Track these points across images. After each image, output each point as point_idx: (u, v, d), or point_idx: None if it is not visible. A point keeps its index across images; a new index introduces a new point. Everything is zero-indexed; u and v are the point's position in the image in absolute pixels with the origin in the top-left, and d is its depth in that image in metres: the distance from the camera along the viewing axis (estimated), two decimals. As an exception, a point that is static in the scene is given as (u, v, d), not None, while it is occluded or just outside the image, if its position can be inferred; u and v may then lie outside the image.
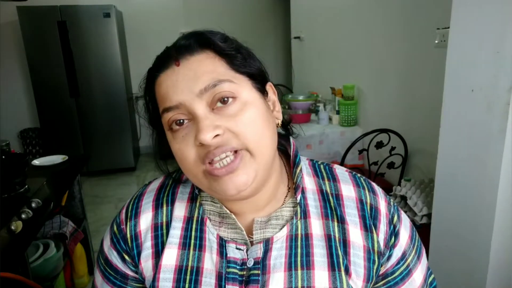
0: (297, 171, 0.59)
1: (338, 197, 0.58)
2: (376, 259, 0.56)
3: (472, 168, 1.15)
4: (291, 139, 0.63)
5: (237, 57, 0.52)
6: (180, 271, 0.56)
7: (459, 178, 1.21)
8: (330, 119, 2.86)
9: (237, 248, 0.55)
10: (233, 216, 0.56)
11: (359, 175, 0.63)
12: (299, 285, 0.53)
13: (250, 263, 0.54)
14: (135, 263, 0.59)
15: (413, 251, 0.60)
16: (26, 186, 1.57)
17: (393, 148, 2.11)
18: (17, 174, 1.56)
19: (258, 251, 0.54)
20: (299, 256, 0.55)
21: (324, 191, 0.59)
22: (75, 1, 3.94)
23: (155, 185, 0.63)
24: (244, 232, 0.56)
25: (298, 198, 0.57)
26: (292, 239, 0.55)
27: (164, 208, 0.60)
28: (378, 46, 2.43)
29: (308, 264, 0.54)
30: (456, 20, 1.15)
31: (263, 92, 0.55)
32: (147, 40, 4.34)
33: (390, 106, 2.37)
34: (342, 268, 0.54)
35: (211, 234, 0.56)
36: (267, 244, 0.55)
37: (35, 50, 3.66)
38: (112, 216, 0.64)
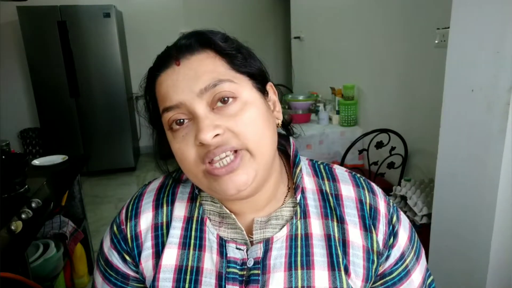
0: (297, 171, 0.59)
1: (337, 197, 0.58)
2: (375, 259, 0.56)
3: (472, 168, 1.15)
4: (291, 139, 0.63)
5: (238, 57, 0.52)
6: (180, 271, 0.56)
7: (459, 178, 1.21)
8: (330, 119, 2.86)
9: (237, 248, 0.55)
10: (233, 216, 0.56)
11: (358, 175, 0.63)
12: (299, 285, 0.53)
13: (250, 263, 0.54)
14: (136, 263, 0.59)
15: (412, 252, 0.60)
16: (26, 186, 1.57)
17: (393, 148, 2.11)
18: (17, 174, 1.56)
19: (258, 251, 0.54)
20: (299, 256, 0.55)
21: (324, 191, 0.59)
22: (75, 1, 3.94)
23: (154, 185, 0.64)
24: (244, 232, 0.56)
25: (298, 198, 0.57)
26: (292, 239, 0.55)
27: (164, 208, 0.60)
28: (378, 46, 2.43)
29: (308, 264, 0.54)
30: (456, 20, 1.15)
31: (263, 92, 0.55)
32: (147, 40, 4.34)
33: (390, 106, 2.37)
34: (342, 268, 0.54)
35: (211, 234, 0.56)
36: (267, 244, 0.55)
37: (35, 50, 3.66)
38: (112, 216, 0.64)
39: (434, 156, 1.31)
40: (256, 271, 0.54)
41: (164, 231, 0.58)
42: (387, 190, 1.93)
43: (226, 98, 0.49)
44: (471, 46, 1.11)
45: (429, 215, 1.58)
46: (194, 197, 0.60)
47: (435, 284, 0.65)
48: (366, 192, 0.60)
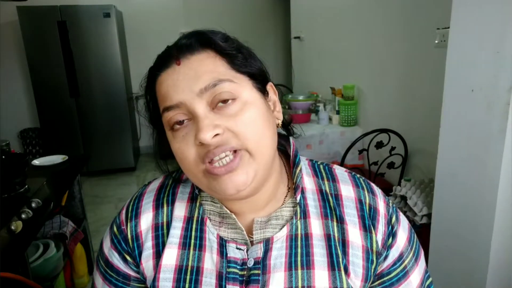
0: (296, 171, 0.59)
1: (337, 197, 0.58)
2: (375, 259, 0.56)
3: (472, 168, 1.15)
4: (291, 139, 0.63)
5: (238, 57, 0.52)
6: (180, 271, 0.56)
7: (459, 178, 1.21)
8: (330, 119, 2.86)
9: (237, 248, 0.55)
10: (234, 216, 0.56)
11: (358, 175, 0.63)
12: (299, 284, 0.53)
13: (251, 263, 0.54)
14: (137, 263, 0.59)
15: (411, 253, 0.60)
16: (26, 186, 1.57)
17: (393, 148, 2.11)
18: (17, 174, 1.56)
19: (258, 251, 0.54)
20: (299, 256, 0.55)
21: (324, 191, 0.59)
22: (75, 1, 3.94)
23: (154, 185, 0.63)
24: (245, 232, 0.56)
25: (298, 198, 0.57)
26: (292, 239, 0.55)
27: (165, 208, 0.60)
28: (378, 46, 2.43)
29: (308, 264, 0.54)
30: (456, 20, 1.15)
31: (263, 92, 0.55)
32: (147, 40, 4.34)
33: (390, 106, 2.37)
34: (342, 268, 0.54)
35: (211, 234, 0.56)
36: (267, 244, 0.55)
37: (35, 50, 3.66)
38: (112, 216, 0.64)
39: (434, 156, 1.31)
40: (256, 271, 0.54)
41: (165, 231, 0.58)
42: (387, 190, 1.93)
43: (226, 100, 0.49)
44: (471, 46, 1.11)
45: (429, 215, 1.58)
46: (194, 197, 0.60)
47: (435, 285, 0.65)
48: (366, 192, 0.60)
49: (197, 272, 0.55)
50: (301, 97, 3.15)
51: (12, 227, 1.24)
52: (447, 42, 1.19)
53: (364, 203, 0.58)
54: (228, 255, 0.55)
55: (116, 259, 0.60)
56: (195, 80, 0.49)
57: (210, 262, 0.55)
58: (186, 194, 0.61)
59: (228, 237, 0.57)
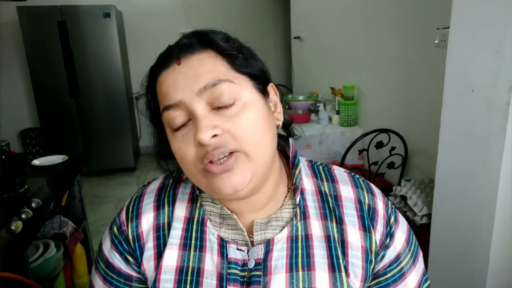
0: (296, 172, 0.59)
1: (336, 198, 0.58)
2: (373, 259, 0.57)
3: (472, 168, 1.15)
4: (290, 140, 0.63)
5: (239, 57, 0.52)
6: (181, 272, 0.56)
7: (459, 178, 1.21)
8: (330, 119, 2.86)
9: (238, 249, 0.55)
10: (235, 216, 0.56)
11: (357, 176, 0.63)
12: (300, 286, 0.53)
13: (251, 264, 0.54)
14: (138, 264, 0.58)
15: (409, 255, 0.60)
16: (26, 186, 1.57)
17: (393, 148, 2.11)
18: (17, 174, 1.56)
19: (259, 252, 0.54)
20: (299, 257, 0.55)
21: (323, 192, 0.59)
22: (75, 1, 3.94)
23: (155, 185, 0.63)
24: (245, 233, 0.56)
25: (297, 199, 0.57)
26: (292, 240, 0.55)
27: (166, 208, 0.60)
28: (378, 46, 2.43)
29: (308, 265, 0.54)
30: (456, 20, 1.15)
31: (264, 93, 0.55)
32: (147, 40, 4.34)
33: (390, 106, 2.37)
34: (342, 269, 0.54)
35: (212, 235, 0.56)
36: (268, 245, 0.55)
37: (35, 50, 3.66)
38: (112, 216, 0.64)
39: (434, 156, 1.31)
40: (257, 272, 0.54)
41: (166, 231, 0.58)
42: (387, 190, 1.93)
43: (225, 105, 0.49)
44: (471, 46, 1.11)
45: (429, 215, 1.58)
46: (194, 197, 0.60)
47: (434, 286, 0.64)
48: (365, 192, 0.60)
49: (198, 273, 0.55)
50: (301, 97, 3.15)
51: (12, 227, 1.24)
52: (447, 42, 1.19)
53: (363, 204, 0.58)
54: (229, 256, 0.55)
55: (117, 260, 0.60)
56: (195, 79, 0.49)
57: (210, 263, 0.55)
58: (187, 195, 0.61)
59: (229, 238, 0.57)
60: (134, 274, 0.60)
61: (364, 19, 2.57)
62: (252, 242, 0.56)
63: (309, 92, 3.46)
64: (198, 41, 0.52)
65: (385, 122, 2.31)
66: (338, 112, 2.81)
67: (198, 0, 4.56)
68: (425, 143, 2.04)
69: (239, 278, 0.54)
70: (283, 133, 0.63)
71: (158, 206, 0.60)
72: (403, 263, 0.59)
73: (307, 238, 0.56)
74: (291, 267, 0.54)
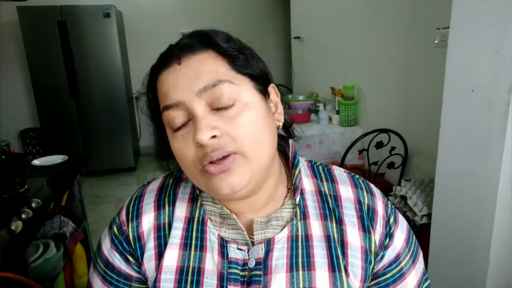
0: (295, 172, 0.59)
1: (336, 198, 0.58)
2: (373, 259, 0.57)
3: (472, 168, 1.15)
4: (290, 140, 0.63)
5: (239, 58, 0.52)
6: (182, 271, 0.56)
7: (459, 178, 1.21)
8: (330, 119, 2.86)
9: (238, 249, 0.55)
10: (234, 216, 0.56)
11: (357, 176, 0.63)
12: (301, 285, 0.53)
13: (252, 264, 0.54)
14: (139, 264, 0.58)
15: (408, 255, 0.60)
16: (26, 186, 1.57)
17: (393, 148, 2.11)
18: (17, 174, 1.56)
19: (259, 251, 0.54)
20: (300, 257, 0.55)
21: (323, 192, 0.59)
22: (75, 1, 3.94)
23: (155, 185, 0.63)
24: (245, 233, 0.56)
25: (297, 199, 0.57)
26: (293, 240, 0.55)
27: (166, 208, 0.60)
28: (378, 46, 2.43)
29: (309, 265, 0.54)
30: (456, 20, 1.15)
31: (264, 93, 0.55)
32: (147, 40, 4.34)
33: (390, 106, 2.37)
34: (342, 269, 0.54)
35: (212, 235, 0.56)
36: (269, 244, 0.55)
37: (35, 50, 3.66)
38: (112, 216, 0.64)
39: (434, 156, 1.31)
40: (258, 272, 0.54)
41: (167, 231, 0.58)
42: (387, 190, 1.93)
43: (225, 106, 0.49)
44: (471, 46, 1.11)
45: (429, 215, 1.58)
46: (195, 197, 0.60)
47: (434, 286, 0.64)
48: (365, 193, 0.60)
49: (198, 272, 0.55)
50: (301, 97, 3.15)
51: (12, 227, 1.24)
52: (447, 42, 1.19)
53: (363, 204, 0.58)
54: (229, 255, 0.55)
55: (117, 260, 0.60)
56: (195, 80, 0.49)
57: (211, 262, 0.55)
58: (187, 194, 0.61)
59: (229, 237, 0.57)
60: (134, 274, 0.60)
61: (364, 19, 2.57)
62: (252, 242, 0.56)
63: (309, 92, 3.46)
64: (199, 41, 0.52)
65: (385, 122, 2.31)
66: (338, 112, 2.82)
67: (198, 0, 4.56)
68: (425, 143, 2.04)
69: (239, 277, 0.54)
70: (283, 133, 0.63)
71: (159, 206, 0.60)
72: (402, 263, 0.59)
73: (307, 238, 0.56)
74: (292, 267, 0.54)
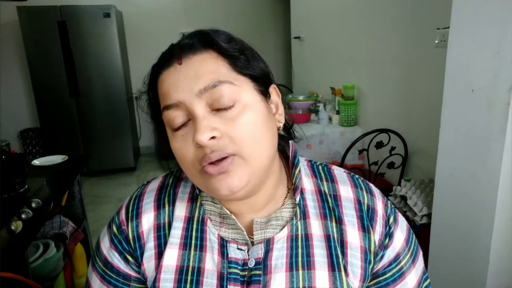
0: (295, 172, 0.59)
1: (336, 197, 0.59)
2: (372, 259, 0.57)
3: (472, 168, 1.15)
4: (290, 141, 0.63)
5: (240, 58, 0.52)
6: (181, 271, 0.56)
7: (459, 178, 1.21)
8: (330, 119, 2.86)
9: (238, 248, 0.55)
10: (233, 216, 0.56)
11: (357, 176, 0.63)
12: (301, 285, 0.53)
13: (252, 263, 0.54)
14: (138, 263, 0.58)
15: (408, 255, 0.60)
16: (26, 186, 1.57)
17: (393, 148, 2.11)
18: (17, 174, 1.56)
19: (259, 251, 0.54)
20: (300, 257, 0.55)
21: (323, 191, 0.59)
22: (75, 1, 3.94)
23: (154, 185, 0.63)
24: (245, 232, 0.56)
25: (297, 199, 0.57)
26: (292, 240, 0.55)
27: (166, 208, 0.59)
28: (378, 46, 2.43)
29: (308, 265, 0.54)
30: (456, 20, 1.15)
31: (265, 94, 0.55)
32: (147, 40, 4.34)
33: (390, 106, 2.37)
34: (342, 268, 0.55)
35: (212, 234, 0.56)
36: (268, 244, 0.55)
37: (35, 50, 3.66)
38: (112, 216, 0.64)
39: (434, 156, 1.31)
40: (257, 272, 0.54)
41: (167, 231, 0.58)
42: (387, 190, 1.93)
43: (225, 107, 0.49)
44: (471, 46, 1.11)
45: (429, 215, 1.58)
46: (194, 197, 0.60)
47: (434, 286, 0.64)
48: (364, 192, 0.60)
49: (198, 272, 0.55)
50: (301, 97, 3.15)
51: (12, 227, 1.24)
52: (447, 42, 1.19)
53: (362, 204, 0.58)
54: (229, 255, 0.55)
55: (116, 260, 0.60)
56: (195, 80, 0.49)
57: (211, 262, 0.55)
58: (187, 194, 0.61)
59: (229, 237, 0.57)
60: (133, 273, 0.60)
61: (364, 19, 2.57)
62: (252, 242, 0.56)
63: (309, 92, 3.46)
64: (200, 41, 0.52)
65: (385, 122, 2.31)
66: (338, 112, 2.82)
67: (198, 0, 4.56)
68: (425, 143, 2.04)
69: (239, 277, 0.54)
70: (285, 135, 0.63)
71: (159, 206, 0.60)
72: (402, 263, 0.59)
73: (307, 237, 0.56)
74: (291, 266, 0.54)
